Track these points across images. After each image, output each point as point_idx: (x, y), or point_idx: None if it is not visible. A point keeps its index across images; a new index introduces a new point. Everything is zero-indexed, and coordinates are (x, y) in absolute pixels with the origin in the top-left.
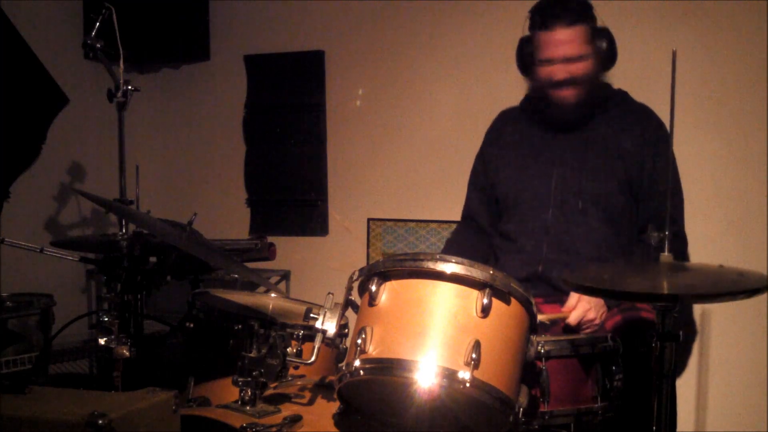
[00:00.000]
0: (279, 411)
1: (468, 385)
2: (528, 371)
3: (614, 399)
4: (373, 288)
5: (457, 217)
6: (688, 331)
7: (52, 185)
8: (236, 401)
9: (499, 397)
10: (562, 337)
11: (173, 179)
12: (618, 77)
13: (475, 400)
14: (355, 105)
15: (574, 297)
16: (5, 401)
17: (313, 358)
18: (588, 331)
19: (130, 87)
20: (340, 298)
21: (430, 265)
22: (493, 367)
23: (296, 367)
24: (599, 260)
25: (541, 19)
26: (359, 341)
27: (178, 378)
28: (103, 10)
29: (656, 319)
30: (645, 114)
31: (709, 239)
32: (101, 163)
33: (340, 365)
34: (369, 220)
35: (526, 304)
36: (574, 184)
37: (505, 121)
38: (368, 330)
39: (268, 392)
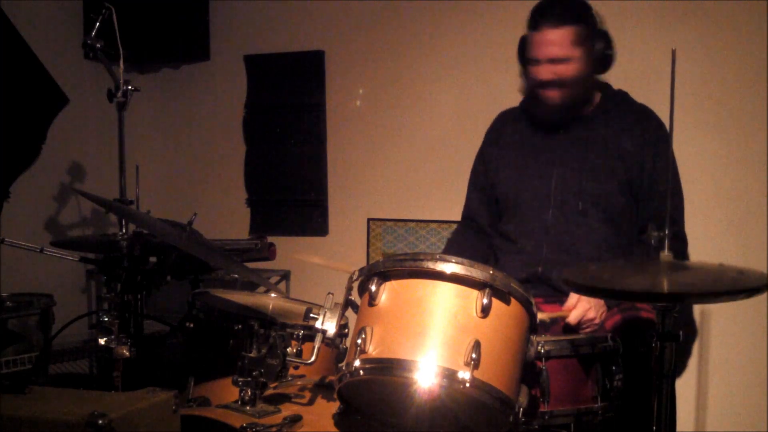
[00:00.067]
0: (279, 411)
1: (468, 385)
2: (528, 371)
3: (614, 399)
4: (373, 288)
5: (457, 217)
6: (688, 331)
7: (52, 185)
8: (236, 401)
9: (499, 397)
10: (562, 337)
11: (173, 179)
12: (618, 77)
13: (475, 400)
14: (355, 105)
15: (573, 297)
16: (5, 401)
17: (313, 358)
18: (587, 330)
19: (130, 87)
20: (340, 298)
21: (430, 265)
22: (493, 367)
23: (296, 367)
24: (599, 261)
25: (532, 18)
26: (359, 341)
27: (178, 378)
28: (103, 10)
29: (656, 319)
30: (645, 114)
31: (709, 239)
32: (101, 163)
33: (340, 365)
34: (369, 220)
35: (526, 304)
36: (574, 185)
37: (504, 121)
38: (368, 330)
39: (268, 392)
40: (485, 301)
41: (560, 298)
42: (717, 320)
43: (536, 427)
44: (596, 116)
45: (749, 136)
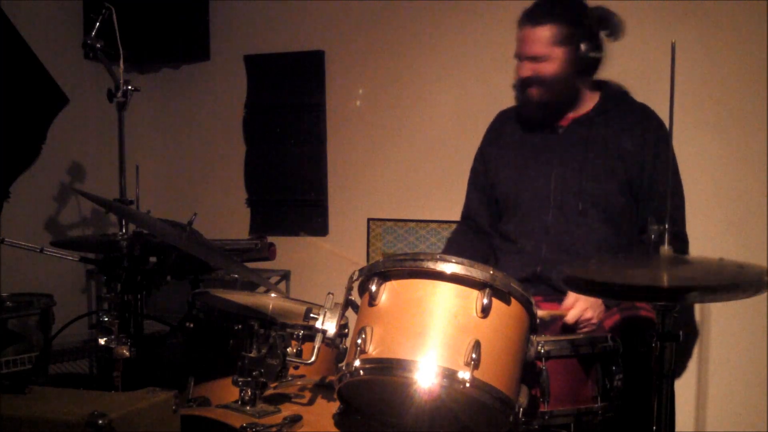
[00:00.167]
0: (279, 411)
1: (468, 385)
2: (528, 371)
3: (614, 399)
4: (373, 288)
5: (457, 217)
6: (688, 331)
7: (52, 185)
8: (236, 401)
9: (499, 397)
10: (562, 337)
11: (173, 179)
12: (618, 77)
13: (475, 400)
14: (355, 105)
15: (572, 296)
16: (5, 401)
17: (313, 358)
18: (585, 330)
19: (130, 87)
20: (340, 298)
21: (430, 265)
22: (493, 367)
23: (296, 367)
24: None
25: (520, 17)
26: (359, 341)
27: (178, 378)
28: (103, 10)
29: (656, 318)
30: (645, 114)
31: (709, 239)
32: (101, 163)
33: (340, 365)
34: (369, 220)
35: (526, 304)
36: (573, 185)
37: (504, 120)
38: (368, 330)
39: (268, 392)
40: (485, 301)
41: (559, 297)
42: (717, 320)
43: (536, 427)
44: (596, 116)
45: (749, 136)
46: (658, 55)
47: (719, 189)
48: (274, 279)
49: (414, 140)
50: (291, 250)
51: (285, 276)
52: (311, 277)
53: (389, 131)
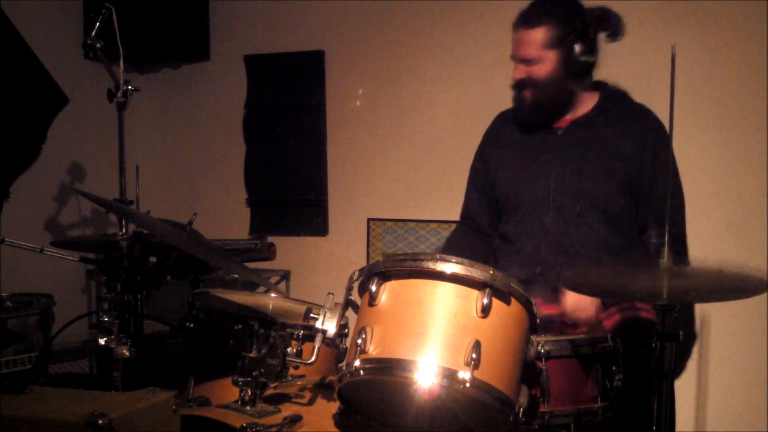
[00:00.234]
0: (279, 411)
1: (468, 385)
2: (528, 371)
3: (614, 399)
4: (373, 288)
5: (457, 217)
6: (688, 331)
7: (52, 185)
8: (236, 401)
9: (499, 397)
10: (562, 337)
11: (173, 179)
12: (618, 77)
13: (475, 400)
14: (355, 105)
15: (570, 296)
16: (5, 401)
17: (313, 358)
18: (583, 317)
19: (130, 87)
20: (340, 298)
21: (430, 265)
22: (493, 367)
23: (296, 367)
24: (598, 261)
25: (515, 18)
26: (359, 341)
27: (178, 378)
28: (103, 10)
29: (656, 319)
30: (644, 114)
31: (709, 239)
32: (101, 163)
33: (340, 365)
34: (369, 220)
35: (526, 304)
36: (572, 186)
37: (503, 121)
38: (368, 330)
39: (268, 392)
40: (485, 301)
41: (559, 298)
42: (717, 320)
43: (536, 427)
44: (595, 116)
45: (749, 136)
46: (658, 55)
47: (719, 189)
48: (274, 279)
49: (414, 140)
50: (291, 250)
51: (285, 276)
52: (311, 277)
53: (389, 131)
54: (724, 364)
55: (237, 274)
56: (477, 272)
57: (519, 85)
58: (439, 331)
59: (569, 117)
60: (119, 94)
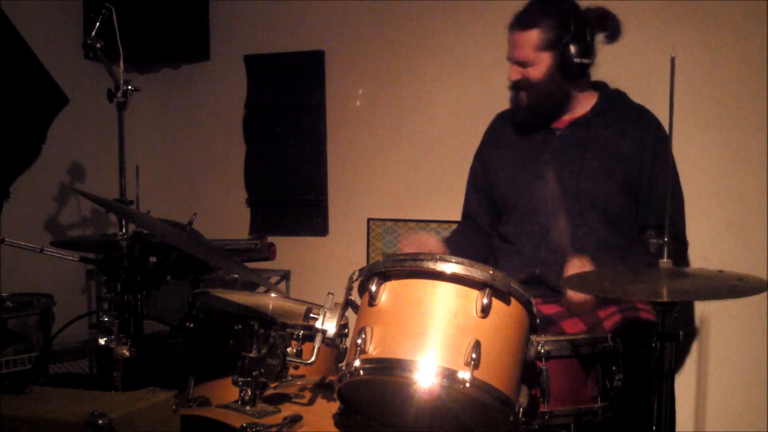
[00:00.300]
0: (279, 411)
1: (468, 385)
2: (528, 371)
3: (614, 399)
4: (373, 288)
5: (457, 217)
6: (688, 330)
7: (52, 185)
8: (236, 401)
9: (499, 397)
10: (562, 337)
11: (173, 179)
12: (618, 77)
13: (475, 400)
14: (355, 105)
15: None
16: (5, 401)
17: (313, 358)
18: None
19: (130, 87)
20: (340, 298)
21: (430, 265)
22: (493, 367)
23: (296, 367)
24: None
25: (510, 20)
26: (359, 341)
27: (178, 378)
28: (103, 10)
29: (656, 319)
30: (643, 115)
31: (709, 240)
32: (101, 163)
33: (340, 365)
34: (369, 220)
35: (526, 305)
36: (572, 186)
37: (502, 122)
38: (368, 330)
39: (268, 392)
40: (485, 301)
41: (558, 298)
42: (717, 320)
43: (536, 427)
44: (593, 117)
45: (749, 136)
46: (658, 55)
47: (719, 189)
48: (274, 279)
49: (414, 140)
50: (291, 250)
51: (285, 276)
52: (311, 277)
53: (389, 131)
54: (723, 363)
55: (237, 274)
56: (477, 272)
57: (515, 87)
58: (439, 331)
59: (568, 117)
60: (119, 94)
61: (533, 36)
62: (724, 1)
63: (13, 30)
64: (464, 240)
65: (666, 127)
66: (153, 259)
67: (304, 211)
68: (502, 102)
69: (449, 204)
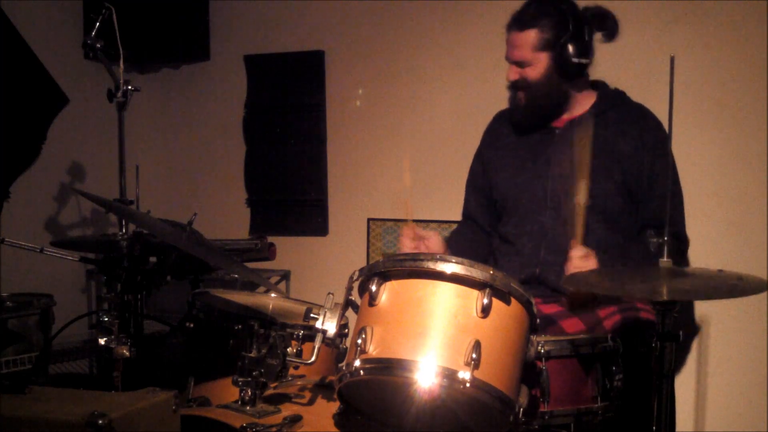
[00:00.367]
0: (279, 411)
1: (468, 385)
2: (528, 371)
3: (614, 399)
4: (373, 288)
5: (457, 217)
6: (688, 330)
7: (52, 185)
8: (236, 401)
9: (499, 397)
10: (562, 337)
11: (173, 179)
12: (617, 77)
13: (475, 400)
14: (355, 105)
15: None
16: (5, 401)
17: (313, 358)
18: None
19: (130, 87)
20: (340, 298)
21: (430, 265)
22: (493, 367)
23: (296, 367)
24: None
25: (508, 20)
26: (359, 341)
27: (178, 378)
28: (103, 10)
29: (656, 318)
30: (642, 114)
31: (709, 240)
32: (101, 163)
33: (340, 365)
34: (369, 220)
35: (526, 305)
36: (571, 186)
37: (501, 122)
38: (368, 330)
39: (268, 392)
40: (485, 301)
41: (558, 298)
42: (717, 320)
43: (536, 427)
44: (593, 117)
45: (749, 136)
46: (658, 55)
47: (719, 189)
48: (274, 279)
49: (414, 140)
50: (291, 250)
51: (285, 276)
52: (311, 277)
53: (389, 131)
54: (723, 363)
55: (237, 274)
56: (477, 272)
57: (513, 87)
58: (439, 331)
59: (566, 117)
60: (119, 94)
61: (531, 36)
62: (724, 1)
63: (13, 30)
64: (464, 240)
65: (666, 126)
66: (153, 259)
67: (304, 211)
68: (502, 102)
69: (449, 204)
